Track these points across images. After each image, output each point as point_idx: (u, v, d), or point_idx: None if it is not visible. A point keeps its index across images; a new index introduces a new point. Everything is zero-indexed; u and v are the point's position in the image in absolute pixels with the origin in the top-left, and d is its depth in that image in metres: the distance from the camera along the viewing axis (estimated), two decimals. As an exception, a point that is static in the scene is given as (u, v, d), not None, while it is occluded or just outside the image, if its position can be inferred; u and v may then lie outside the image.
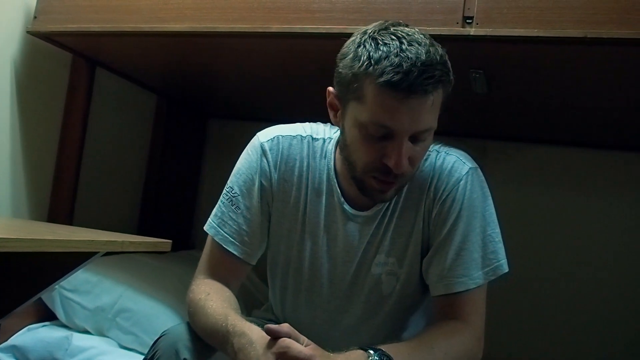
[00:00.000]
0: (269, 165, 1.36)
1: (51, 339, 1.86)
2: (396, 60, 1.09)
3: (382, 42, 1.12)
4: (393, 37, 1.13)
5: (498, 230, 1.31)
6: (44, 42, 1.97)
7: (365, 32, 1.17)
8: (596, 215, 2.33)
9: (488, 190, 1.32)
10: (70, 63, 2.14)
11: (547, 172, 2.43)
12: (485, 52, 1.50)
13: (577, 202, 2.37)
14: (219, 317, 1.17)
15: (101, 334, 1.88)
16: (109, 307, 1.87)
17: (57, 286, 1.78)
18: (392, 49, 1.11)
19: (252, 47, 1.75)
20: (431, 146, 1.33)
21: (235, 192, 1.36)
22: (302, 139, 1.38)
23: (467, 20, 1.42)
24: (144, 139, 2.67)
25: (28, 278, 1.41)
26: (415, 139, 1.17)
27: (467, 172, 1.30)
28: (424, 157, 1.29)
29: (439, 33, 1.39)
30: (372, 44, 1.13)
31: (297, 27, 1.55)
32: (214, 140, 2.98)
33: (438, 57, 1.12)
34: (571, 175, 2.39)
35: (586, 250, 2.33)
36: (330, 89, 1.25)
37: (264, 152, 1.36)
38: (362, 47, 1.15)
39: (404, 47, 1.10)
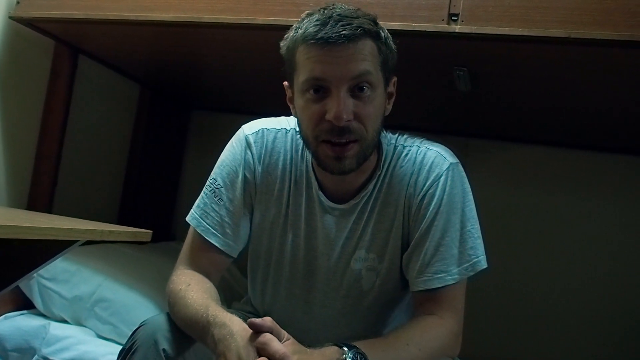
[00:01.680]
0: (253, 158, 1.36)
1: (28, 327, 1.84)
2: (316, 18, 1.18)
3: (309, 14, 1.22)
4: (321, 9, 1.22)
5: (477, 226, 1.31)
6: (26, 28, 1.94)
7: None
8: (577, 213, 2.36)
9: (468, 186, 1.33)
10: (52, 50, 2.12)
11: (528, 171, 2.45)
12: (470, 50, 1.51)
13: (558, 200, 2.39)
14: (200, 308, 1.17)
15: (79, 323, 1.87)
16: (88, 296, 1.86)
17: (35, 274, 1.77)
18: (315, 15, 1.20)
19: (237, 38, 1.74)
20: (412, 141, 1.35)
21: (219, 184, 1.36)
22: (286, 132, 1.38)
23: (453, 18, 1.42)
24: (126, 129, 2.65)
25: (5, 265, 1.39)
26: (356, 93, 1.19)
27: (448, 167, 1.30)
28: (404, 152, 1.32)
29: (424, 29, 1.39)
30: (301, 19, 1.23)
31: (283, 20, 1.55)
32: (196, 131, 2.97)
33: (360, 14, 1.20)
34: (552, 175, 2.41)
35: (566, 248, 2.36)
36: (285, 83, 1.31)
37: (248, 144, 1.36)
38: (294, 26, 1.24)
39: (326, 11, 1.20)
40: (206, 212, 1.35)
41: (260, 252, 1.41)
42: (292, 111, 1.32)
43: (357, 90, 1.18)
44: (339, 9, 1.20)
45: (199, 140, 2.96)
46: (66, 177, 2.23)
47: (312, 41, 1.16)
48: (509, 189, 2.45)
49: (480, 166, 2.40)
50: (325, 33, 1.15)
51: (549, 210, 2.39)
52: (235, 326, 1.10)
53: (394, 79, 1.30)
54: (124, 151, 2.65)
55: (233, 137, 1.40)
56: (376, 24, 1.22)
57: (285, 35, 1.27)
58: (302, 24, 1.20)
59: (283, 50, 1.26)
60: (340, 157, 1.21)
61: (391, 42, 1.25)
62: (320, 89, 1.19)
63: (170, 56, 2.11)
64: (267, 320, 1.08)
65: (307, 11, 1.24)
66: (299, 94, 1.23)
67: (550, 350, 2.31)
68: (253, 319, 1.08)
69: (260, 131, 1.38)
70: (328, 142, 1.20)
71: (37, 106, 2.11)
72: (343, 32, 1.15)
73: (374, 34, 1.20)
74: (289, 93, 1.31)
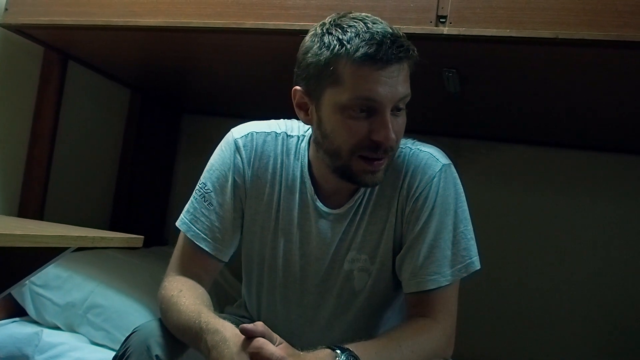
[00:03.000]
0: (242, 162, 1.35)
1: (21, 334, 1.83)
2: (367, 35, 1.14)
3: (347, 25, 1.17)
4: (355, 20, 1.18)
5: (470, 227, 1.32)
6: (15, 34, 1.94)
7: (324, 24, 1.21)
8: (567, 212, 2.37)
9: (461, 187, 1.33)
10: (42, 56, 2.11)
11: (519, 171, 2.46)
12: (459, 52, 1.52)
13: (549, 200, 2.40)
14: (192, 314, 1.17)
15: (72, 330, 1.86)
16: (80, 303, 1.86)
17: (27, 282, 1.77)
18: (359, 28, 1.16)
19: (226, 42, 1.74)
20: (404, 142, 1.34)
21: (208, 189, 1.36)
22: (276, 135, 1.38)
23: (441, 20, 1.43)
24: (117, 134, 2.65)
25: (-3, 273, 1.39)
26: (394, 111, 1.19)
27: (440, 169, 1.30)
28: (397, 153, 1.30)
29: (412, 32, 1.39)
30: (338, 29, 1.17)
31: (271, 24, 1.55)
32: (187, 136, 2.97)
33: (401, 33, 1.19)
34: (543, 174, 2.42)
35: (557, 247, 2.37)
36: (297, 88, 1.26)
37: (237, 148, 1.36)
38: (327, 35, 1.18)
39: (369, 25, 1.16)
40: (196, 217, 1.35)
41: (252, 256, 1.41)
42: (303, 117, 1.28)
43: (396, 109, 1.19)
44: (380, 24, 1.17)
45: (190, 144, 2.96)
46: (57, 183, 2.22)
47: (368, 61, 1.13)
48: (500, 189, 2.46)
49: (471, 166, 2.41)
50: (384, 54, 1.13)
51: (539, 209, 2.41)
52: (227, 332, 1.10)
53: None
54: (115, 156, 2.65)
55: (222, 141, 1.39)
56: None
57: (315, 43, 1.20)
58: (348, 37, 1.15)
59: (315, 60, 1.19)
60: (375, 171, 1.22)
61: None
62: (366, 109, 1.17)
63: (160, 61, 2.11)
64: (259, 325, 1.08)
65: (335, 19, 1.20)
66: (336, 108, 1.18)
67: (543, 350, 2.32)
68: (245, 325, 1.08)
69: (249, 134, 1.37)
70: (364, 157, 1.20)
71: (27, 112, 2.10)
72: (400, 54, 1.14)
73: (413, 55, 1.19)
74: (300, 99, 1.26)
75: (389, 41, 1.13)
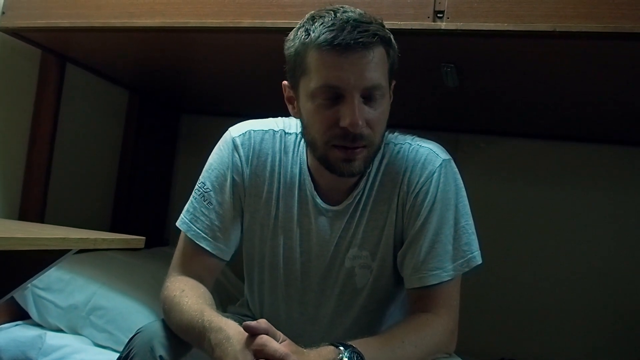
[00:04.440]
0: (240, 160, 1.36)
1: (24, 338, 1.84)
2: (330, 22, 1.16)
3: (319, 16, 1.20)
4: (329, 11, 1.20)
5: (471, 222, 1.32)
6: (12, 38, 1.94)
7: (305, 16, 1.24)
8: (568, 206, 2.37)
9: (461, 182, 1.33)
10: (39, 59, 2.11)
11: (518, 165, 2.46)
12: (456, 46, 1.51)
13: (548, 193, 2.40)
14: (195, 314, 1.17)
15: (75, 332, 1.87)
16: (83, 305, 1.86)
17: (29, 285, 1.76)
18: (326, 18, 1.18)
19: (223, 42, 1.74)
20: (404, 138, 1.35)
21: (207, 188, 1.36)
22: (274, 133, 1.38)
23: (438, 15, 1.43)
24: (116, 135, 2.65)
25: (-1, 277, 1.39)
26: (367, 99, 1.19)
27: (441, 164, 1.30)
28: (398, 149, 1.32)
29: (410, 27, 1.40)
30: (310, 21, 1.21)
31: (269, 22, 1.55)
32: (186, 135, 2.97)
33: (372, 19, 1.19)
34: (542, 168, 2.42)
35: (558, 241, 2.37)
36: (284, 82, 1.30)
37: (235, 147, 1.36)
38: (301, 27, 1.22)
39: (338, 14, 1.18)
40: (196, 216, 1.35)
41: (253, 254, 1.41)
42: (292, 111, 1.31)
43: (368, 96, 1.19)
44: (351, 12, 1.18)
45: (189, 144, 2.96)
46: (57, 186, 2.22)
47: (328, 47, 1.14)
48: (499, 183, 2.46)
49: (471, 161, 2.41)
50: (343, 39, 1.13)
51: (539, 203, 2.41)
52: (231, 330, 1.10)
53: (394, 82, 1.30)
54: (114, 157, 2.65)
55: (220, 140, 1.40)
56: (385, 28, 1.21)
57: (291, 35, 1.25)
58: (314, 27, 1.18)
59: (290, 51, 1.24)
60: (350, 160, 1.21)
61: (395, 45, 1.24)
62: (333, 96, 1.18)
63: (158, 61, 2.11)
64: (262, 322, 1.08)
65: (313, 12, 1.22)
66: (308, 97, 1.21)
67: (544, 344, 2.32)
68: (248, 322, 1.08)
69: (247, 133, 1.37)
70: (339, 147, 1.21)
71: (25, 116, 2.10)
72: (360, 39, 1.14)
73: (386, 40, 1.20)
74: (288, 93, 1.30)
75: (349, 26, 1.14)
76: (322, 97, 1.18)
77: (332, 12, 1.18)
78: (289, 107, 1.31)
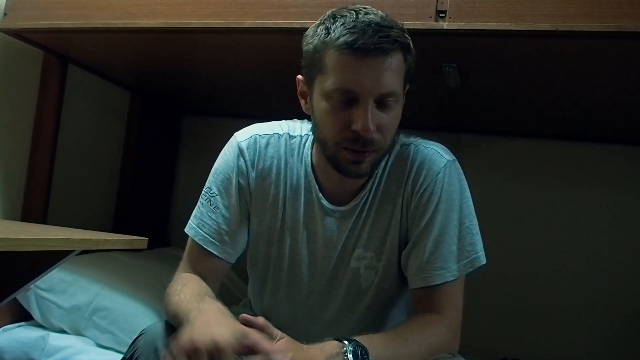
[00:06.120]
0: (246, 164, 1.36)
1: (27, 339, 1.84)
2: (352, 24, 1.15)
3: (340, 15, 1.18)
4: (350, 11, 1.18)
5: (476, 222, 1.32)
6: (14, 39, 1.94)
7: (325, 14, 1.22)
8: (570, 205, 2.37)
9: (466, 183, 1.33)
10: (41, 60, 2.11)
11: (519, 165, 2.46)
12: (458, 46, 1.51)
13: (550, 193, 2.40)
14: (192, 299, 1.18)
15: (78, 333, 1.87)
16: (85, 306, 1.86)
17: (32, 286, 1.76)
18: (348, 18, 1.17)
19: (225, 42, 1.74)
20: (408, 139, 1.35)
21: (214, 192, 1.37)
22: (279, 137, 1.38)
23: (440, 14, 1.43)
24: (118, 136, 2.65)
25: (2, 278, 1.39)
26: (380, 104, 1.18)
27: (445, 164, 1.31)
28: (406, 150, 1.32)
29: (412, 27, 1.39)
30: (331, 19, 1.19)
31: (271, 23, 1.55)
32: (188, 136, 2.97)
33: (393, 23, 1.18)
34: (543, 168, 2.42)
35: (560, 240, 2.37)
36: (299, 77, 1.29)
37: (241, 151, 1.37)
38: (321, 24, 1.21)
39: (359, 16, 1.16)
40: (203, 221, 1.36)
41: (258, 256, 1.42)
42: (304, 106, 1.31)
43: (382, 102, 1.18)
44: (373, 15, 1.17)
45: (191, 145, 2.96)
46: (60, 187, 2.22)
47: (347, 50, 1.13)
48: (501, 182, 2.46)
49: (473, 161, 2.40)
50: (363, 43, 1.12)
51: (542, 202, 2.40)
52: (205, 305, 1.13)
53: (407, 86, 1.28)
54: (116, 158, 2.65)
55: (226, 145, 1.40)
56: (406, 34, 1.20)
57: (310, 32, 1.23)
58: (335, 26, 1.16)
59: (308, 48, 1.22)
60: (359, 162, 1.22)
61: (414, 51, 1.23)
62: (347, 98, 1.17)
63: (160, 62, 2.11)
64: (260, 319, 1.09)
65: (334, 10, 1.21)
66: (322, 96, 1.20)
67: (548, 343, 2.32)
68: (245, 315, 1.09)
69: (252, 137, 1.38)
70: (349, 149, 1.20)
71: (28, 117, 2.10)
72: (381, 44, 1.13)
73: (405, 46, 1.19)
74: (302, 87, 1.29)
75: (371, 30, 1.13)
76: (336, 98, 1.17)
77: (354, 13, 1.17)
78: (301, 102, 1.31)
